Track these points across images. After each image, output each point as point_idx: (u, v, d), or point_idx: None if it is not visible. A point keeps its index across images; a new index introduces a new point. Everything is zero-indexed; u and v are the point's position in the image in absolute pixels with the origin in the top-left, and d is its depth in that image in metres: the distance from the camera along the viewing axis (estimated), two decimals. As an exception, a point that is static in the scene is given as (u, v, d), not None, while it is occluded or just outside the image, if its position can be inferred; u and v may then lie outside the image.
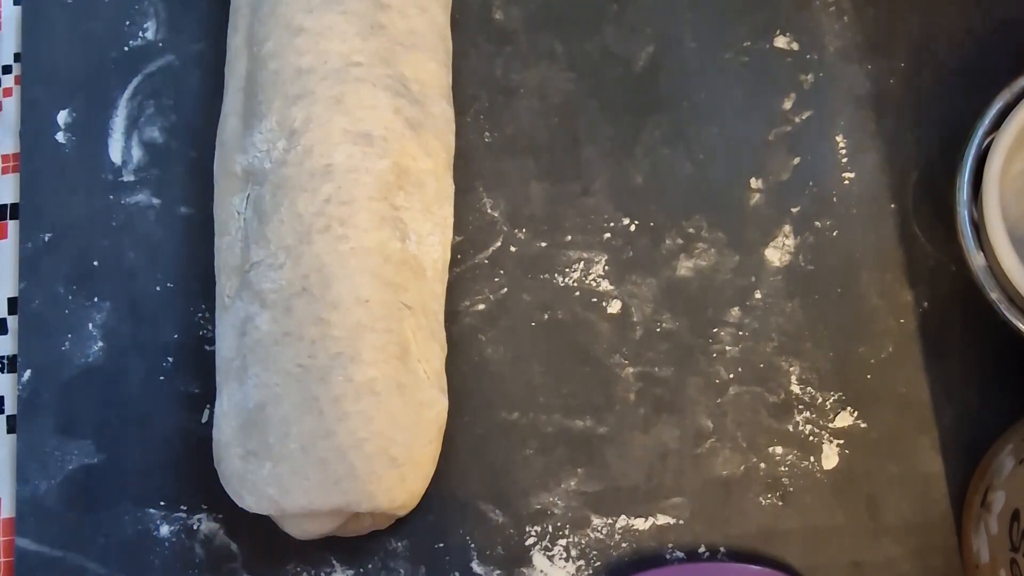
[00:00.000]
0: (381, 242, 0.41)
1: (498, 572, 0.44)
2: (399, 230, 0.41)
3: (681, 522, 0.45)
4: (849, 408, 0.45)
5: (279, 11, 0.42)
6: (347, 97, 0.41)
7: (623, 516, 0.45)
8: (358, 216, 0.41)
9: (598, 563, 0.44)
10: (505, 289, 0.46)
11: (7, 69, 0.50)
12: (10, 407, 0.46)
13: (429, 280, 0.42)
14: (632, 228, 0.47)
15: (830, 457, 0.45)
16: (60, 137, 0.48)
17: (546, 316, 0.46)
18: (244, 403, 0.40)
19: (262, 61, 0.42)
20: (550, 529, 0.45)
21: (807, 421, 0.45)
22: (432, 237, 0.43)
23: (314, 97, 0.41)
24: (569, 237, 0.47)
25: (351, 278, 0.40)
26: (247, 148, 0.42)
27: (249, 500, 0.40)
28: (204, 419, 0.45)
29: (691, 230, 0.47)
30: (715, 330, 0.46)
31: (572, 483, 0.45)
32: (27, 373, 0.46)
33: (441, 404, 0.42)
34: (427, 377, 0.41)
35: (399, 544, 0.45)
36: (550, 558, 0.45)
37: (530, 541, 0.45)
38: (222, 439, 0.41)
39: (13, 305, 0.47)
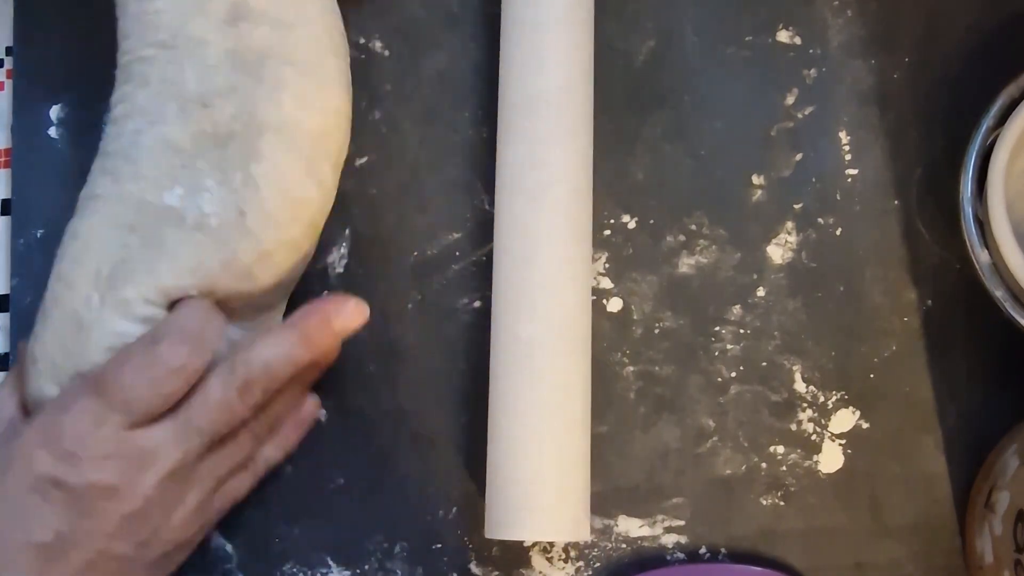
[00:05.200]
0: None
1: (496, 573, 0.44)
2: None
3: (682, 522, 0.44)
4: (852, 407, 0.45)
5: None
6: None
7: (623, 516, 0.44)
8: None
9: (598, 564, 0.44)
10: (504, 286, 0.46)
11: (-1, 63, 0.49)
12: (2, 406, 0.46)
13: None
14: (632, 225, 0.46)
15: (832, 457, 0.45)
16: (53, 132, 0.48)
17: (545, 314, 0.46)
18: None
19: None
20: (549, 529, 0.44)
21: (809, 420, 0.45)
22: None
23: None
24: (568, 234, 0.46)
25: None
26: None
27: None
28: (199, 418, 0.45)
29: (692, 227, 0.46)
30: (716, 328, 0.46)
31: (571, 483, 0.44)
32: (19, 371, 0.46)
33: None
34: None
35: (397, 545, 0.44)
36: (549, 559, 0.44)
37: (529, 542, 0.44)
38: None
39: (5, 302, 0.47)
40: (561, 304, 0.42)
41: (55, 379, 0.39)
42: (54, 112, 0.48)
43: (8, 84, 0.49)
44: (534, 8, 0.44)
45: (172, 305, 0.39)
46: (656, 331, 0.46)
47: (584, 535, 0.41)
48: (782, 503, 0.44)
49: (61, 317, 0.39)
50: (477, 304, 0.46)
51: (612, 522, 0.44)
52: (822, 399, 0.45)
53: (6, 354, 0.46)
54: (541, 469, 0.40)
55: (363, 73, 0.47)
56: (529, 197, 0.42)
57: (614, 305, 0.46)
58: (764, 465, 0.45)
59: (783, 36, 0.48)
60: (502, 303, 0.43)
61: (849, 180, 0.46)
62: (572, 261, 0.42)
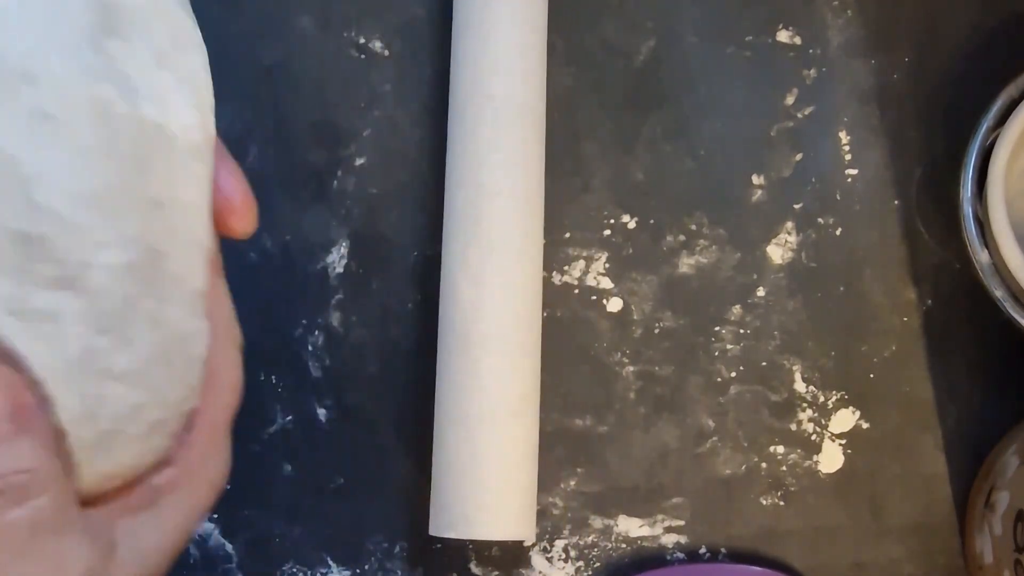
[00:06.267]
0: (97, 101, 0.26)
1: (496, 573, 0.44)
2: (120, 87, 0.27)
3: (682, 522, 0.44)
4: (851, 407, 0.45)
5: None
6: None
7: (623, 516, 0.44)
8: (48, 64, 0.25)
9: (597, 564, 0.44)
10: (504, 286, 0.46)
11: None
12: (2, 406, 0.46)
13: (182, 155, 0.28)
14: (632, 225, 0.46)
15: (832, 457, 0.45)
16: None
17: (545, 314, 0.46)
18: None
19: None
20: (549, 529, 0.44)
21: (809, 420, 0.45)
22: (177, 96, 0.28)
23: None
24: (569, 234, 0.46)
25: (58, 162, 0.25)
26: None
27: None
28: (199, 418, 0.45)
29: (692, 227, 0.46)
30: (716, 328, 0.46)
31: (571, 483, 0.45)
32: (19, 371, 0.46)
33: (204, 334, 0.29)
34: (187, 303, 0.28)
35: (397, 545, 0.44)
36: (549, 559, 0.44)
37: (529, 542, 0.44)
38: None
39: (5, 302, 0.47)
40: (503, 303, 0.42)
41: None
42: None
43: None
44: (479, 11, 0.43)
45: None
46: (656, 331, 0.46)
47: (527, 534, 0.41)
48: (782, 503, 0.44)
49: None
50: (477, 304, 0.46)
51: (612, 522, 0.44)
52: (822, 399, 0.45)
53: (6, 354, 0.46)
54: (474, 465, 0.40)
55: (363, 73, 0.47)
56: (466, 201, 0.43)
57: (614, 305, 0.46)
58: (764, 465, 0.45)
59: (783, 36, 0.48)
60: (445, 301, 0.43)
61: (849, 180, 0.46)
62: (518, 256, 0.42)
